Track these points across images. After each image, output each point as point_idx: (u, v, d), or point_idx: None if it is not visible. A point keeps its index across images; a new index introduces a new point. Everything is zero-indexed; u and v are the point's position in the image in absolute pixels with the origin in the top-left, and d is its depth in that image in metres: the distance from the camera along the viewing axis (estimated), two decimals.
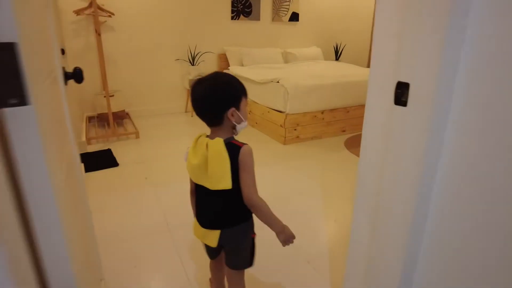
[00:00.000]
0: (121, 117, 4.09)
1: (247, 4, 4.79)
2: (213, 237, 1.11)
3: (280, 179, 2.67)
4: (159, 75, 4.54)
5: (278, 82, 3.46)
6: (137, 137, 3.64)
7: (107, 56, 4.17)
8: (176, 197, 2.36)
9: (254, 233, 1.19)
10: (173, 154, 3.17)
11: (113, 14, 3.96)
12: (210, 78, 1.08)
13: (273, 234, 1.12)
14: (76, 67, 1.11)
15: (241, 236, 1.15)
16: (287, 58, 5.09)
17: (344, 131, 3.78)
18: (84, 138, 3.30)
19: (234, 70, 4.38)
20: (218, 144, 1.02)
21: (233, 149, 1.03)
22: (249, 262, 1.19)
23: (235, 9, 4.73)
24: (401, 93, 0.77)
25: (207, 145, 1.03)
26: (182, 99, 4.79)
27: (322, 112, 3.55)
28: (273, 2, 4.98)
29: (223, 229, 1.10)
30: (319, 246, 1.85)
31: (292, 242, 1.13)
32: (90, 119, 4.22)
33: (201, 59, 4.69)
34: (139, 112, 4.53)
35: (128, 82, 4.38)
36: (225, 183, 1.02)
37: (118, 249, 1.81)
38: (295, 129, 3.44)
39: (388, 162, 0.87)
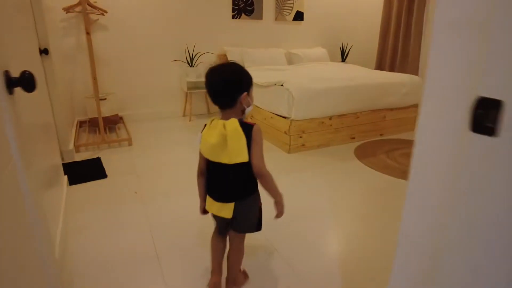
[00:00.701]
0: (114, 122, 3.84)
1: (249, 2, 4.53)
2: (228, 209, 1.26)
3: (283, 194, 2.41)
4: (155, 77, 4.28)
5: (282, 85, 3.20)
6: (130, 144, 3.38)
7: (100, 56, 3.91)
8: (167, 216, 2.09)
9: (261, 202, 1.35)
10: (167, 165, 2.91)
11: (105, 12, 3.70)
12: (225, 66, 1.25)
13: None
14: (24, 70, 0.84)
15: (252, 206, 1.31)
16: (291, 59, 4.82)
17: (353, 138, 3.51)
18: (72, 146, 3.04)
19: None
20: (234, 123, 1.17)
21: (247, 127, 1.19)
22: (256, 227, 1.35)
23: (236, 7, 4.47)
24: (485, 115, 0.50)
25: (224, 125, 1.17)
26: (180, 103, 4.53)
27: (330, 118, 3.28)
28: (277, 1, 4.72)
29: (237, 201, 1.26)
30: (327, 274, 1.58)
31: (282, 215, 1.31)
32: (81, 123, 3.97)
33: (200, 60, 4.43)
34: (134, 116, 4.27)
35: (122, 84, 4.12)
36: (243, 157, 1.18)
37: (96, 281, 1.54)
38: (300, 137, 3.17)
39: (457, 214, 0.59)
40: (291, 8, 4.86)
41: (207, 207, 1.33)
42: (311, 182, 2.58)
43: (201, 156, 1.31)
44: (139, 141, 3.48)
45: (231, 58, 4.44)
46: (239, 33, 4.61)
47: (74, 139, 3.30)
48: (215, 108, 4.68)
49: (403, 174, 2.74)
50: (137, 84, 4.20)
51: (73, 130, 3.56)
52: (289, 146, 3.14)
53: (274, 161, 3.00)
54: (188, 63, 4.25)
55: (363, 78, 3.54)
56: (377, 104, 3.55)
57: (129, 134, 3.51)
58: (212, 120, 1.23)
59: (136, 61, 4.11)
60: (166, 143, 3.47)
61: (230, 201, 1.25)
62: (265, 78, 3.57)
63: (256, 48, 4.71)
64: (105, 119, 3.70)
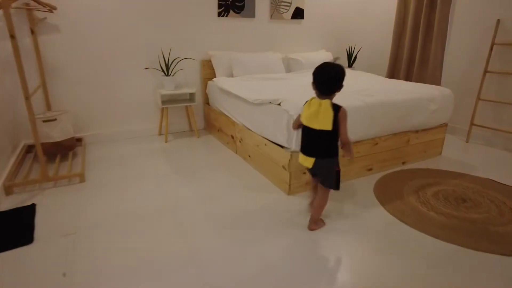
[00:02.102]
0: (69, 147, 3.04)
1: None
2: (310, 161, 1.84)
3: (283, 270, 1.64)
4: (123, 89, 3.49)
5: (279, 104, 2.43)
6: (82, 180, 2.60)
7: (50, 64, 3.12)
8: None
9: (339, 168, 1.87)
10: (126, 217, 2.12)
11: (55, 9, 2.91)
12: (336, 66, 1.73)
13: None
14: None
15: (328, 166, 1.85)
16: (289, 66, 4.06)
17: (370, 169, 2.76)
18: None
19: (219, 82, 3.34)
20: (328, 103, 1.72)
21: (336, 107, 1.73)
22: (335, 186, 1.88)
23: (223, 3, 3.69)
24: None
25: (320, 103, 1.73)
26: (154, 119, 3.74)
27: (342, 147, 2.51)
28: None
29: (317, 158, 1.82)
30: None
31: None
32: (29, 148, 3.18)
33: (179, 67, 3.65)
34: (98, 137, 3.48)
35: (80, 99, 3.33)
36: (328, 126, 1.72)
37: None
38: (304, 173, 2.41)
39: None
40: (289, 4, 4.09)
41: (299, 160, 1.90)
42: (323, 246, 1.82)
43: (299, 121, 1.89)
44: (96, 175, 2.70)
45: (217, 64, 3.66)
46: (226, 34, 3.84)
47: (8, 173, 2.51)
48: (200, 124, 3.90)
49: (460, 235, 1.98)
50: (100, 98, 3.41)
51: (12, 160, 2.77)
52: (289, 185, 2.38)
53: (268, 208, 2.23)
54: (164, 72, 3.46)
55: (382, 93, 2.78)
56: (401, 126, 2.80)
57: (82, 167, 2.72)
58: (312, 99, 1.79)
59: (97, 71, 3.32)
60: (132, 177, 2.69)
61: (312, 156, 1.83)
62: (257, 92, 2.80)
63: (247, 52, 3.94)
64: (56, 145, 2.92)
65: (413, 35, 4.11)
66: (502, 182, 2.66)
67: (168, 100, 3.60)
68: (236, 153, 3.21)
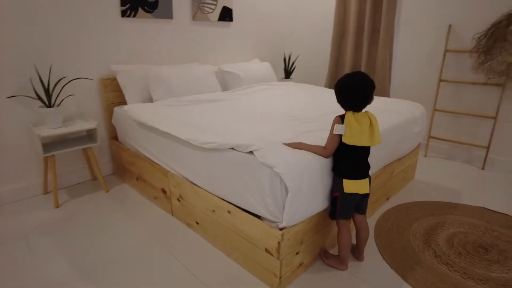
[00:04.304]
0: None
1: None
2: (366, 184, 1.57)
3: None
4: None
5: (250, 152, 1.56)
6: None
7: None
8: None
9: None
10: None
11: None
12: (360, 72, 1.53)
13: None
14: None
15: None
16: (225, 82, 3.18)
17: None
18: None
19: (134, 113, 2.28)
20: (372, 113, 1.54)
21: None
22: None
23: None
24: None
25: (368, 115, 1.51)
26: (35, 172, 2.44)
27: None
28: None
29: (369, 179, 1.59)
30: None
31: None
32: None
33: (67, 91, 2.45)
34: None
35: None
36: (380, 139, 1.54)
37: None
38: (297, 253, 1.59)
39: None
40: (214, 3, 3.21)
41: (351, 189, 1.54)
42: None
43: (337, 142, 1.56)
44: None
45: (126, 84, 2.57)
46: (136, 41, 2.76)
47: None
48: (106, 169, 2.72)
49: None
50: None
51: None
52: (280, 278, 1.53)
53: None
54: (43, 101, 2.22)
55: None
56: (390, 158, 2.22)
57: None
58: (353, 114, 1.51)
59: None
60: None
61: (366, 177, 1.58)
62: (198, 127, 1.88)
63: (168, 64, 2.94)
64: None
65: (356, 40, 3.67)
66: (494, 210, 2.32)
67: (54, 143, 2.36)
68: (172, 215, 2.21)
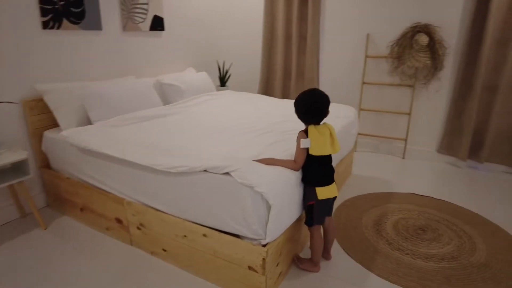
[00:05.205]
0: None
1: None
2: (335, 187, 1.71)
3: None
4: None
5: (227, 173, 1.56)
6: None
7: None
8: None
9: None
10: None
11: None
12: (316, 89, 1.69)
13: None
14: None
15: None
16: (165, 95, 3.04)
17: None
18: None
19: (76, 138, 2.06)
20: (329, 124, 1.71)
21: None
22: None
23: (50, 8, 2.32)
24: None
25: (327, 126, 1.67)
26: None
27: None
28: None
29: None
30: None
31: None
32: None
33: None
34: None
35: None
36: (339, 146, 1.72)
37: None
38: (277, 264, 1.65)
39: None
40: (145, 11, 3.05)
41: (325, 196, 1.66)
42: None
43: (304, 155, 1.65)
44: None
45: (57, 105, 2.29)
46: (63, 56, 2.47)
47: None
48: (39, 201, 2.38)
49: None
50: None
51: None
52: None
53: None
54: None
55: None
56: (336, 160, 2.42)
57: None
58: (315, 127, 1.63)
59: None
60: None
61: (333, 182, 1.72)
62: (162, 152, 1.80)
63: (101, 80, 2.70)
64: None
65: (286, 48, 3.87)
66: (421, 194, 2.72)
67: None
68: (131, 245, 2.06)
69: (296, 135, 1.66)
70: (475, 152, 3.18)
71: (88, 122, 2.36)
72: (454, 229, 2.23)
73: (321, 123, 1.67)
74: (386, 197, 2.67)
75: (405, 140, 3.43)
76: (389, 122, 3.54)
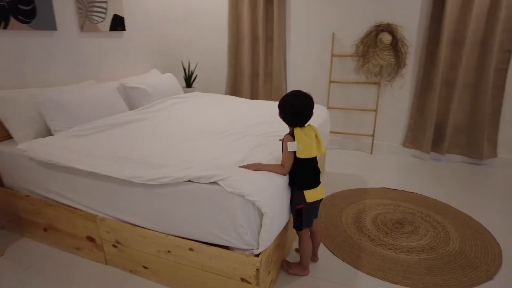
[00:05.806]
0: None
1: None
2: (322, 189, 1.70)
3: None
4: None
5: (213, 183, 1.47)
6: None
7: None
8: None
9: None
10: None
11: None
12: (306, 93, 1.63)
13: None
14: None
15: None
16: (130, 99, 2.84)
17: None
18: None
19: (37, 152, 1.85)
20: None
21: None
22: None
23: None
24: None
25: (312, 128, 1.64)
26: None
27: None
28: None
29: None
30: None
31: None
32: None
33: None
34: None
35: None
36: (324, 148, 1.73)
37: None
38: (269, 272, 1.60)
39: None
40: (104, 11, 2.83)
41: (313, 199, 1.63)
42: None
43: (292, 158, 1.61)
44: None
45: (10, 114, 2.05)
46: (12, 59, 2.21)
47: None
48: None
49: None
50: None
51: None
52: None
53: None
54: None
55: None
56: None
57: None
58: (301, 129, 1.60)
59: None
60: None
61: (319, 184, 1.71)
62: (137, 163, 1.67)
63: (58, 86, 2.47)
64: None
65: (252, 48, 3.82)
66: (393, 188, 2.81)
67: None
68: (106, 264, 1.89)
69: (280, 138, 1.62)
70: (437, 144, 3.36)
71: (47, 132, 2.14)
72: (428, 220, 2.33)
73: (306, 125, 1.64)
74: (361, 193, 2.72)
75: (373, 136, 3.54)
76: (357, 119, 3.63)
